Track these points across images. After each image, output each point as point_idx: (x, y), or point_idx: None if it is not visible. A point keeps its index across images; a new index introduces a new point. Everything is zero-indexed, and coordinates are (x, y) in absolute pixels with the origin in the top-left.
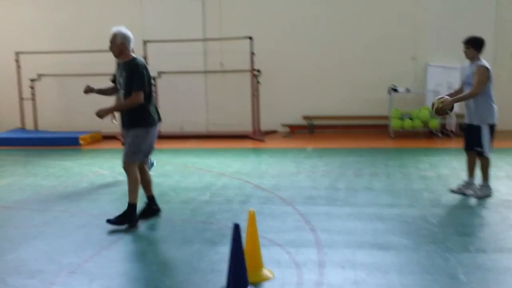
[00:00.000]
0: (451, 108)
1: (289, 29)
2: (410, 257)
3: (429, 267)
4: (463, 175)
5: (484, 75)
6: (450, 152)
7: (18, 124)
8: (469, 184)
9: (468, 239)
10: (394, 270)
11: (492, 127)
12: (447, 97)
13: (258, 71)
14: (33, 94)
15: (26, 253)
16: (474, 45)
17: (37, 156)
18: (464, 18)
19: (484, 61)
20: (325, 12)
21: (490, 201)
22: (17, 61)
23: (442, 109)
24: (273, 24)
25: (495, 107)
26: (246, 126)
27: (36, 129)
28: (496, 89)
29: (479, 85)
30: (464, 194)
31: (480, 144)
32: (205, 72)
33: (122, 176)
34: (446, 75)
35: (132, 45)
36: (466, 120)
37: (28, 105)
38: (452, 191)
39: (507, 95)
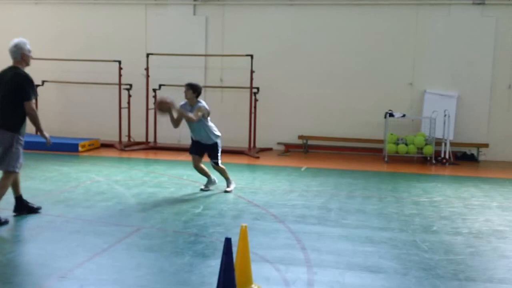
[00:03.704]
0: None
1: (289, 50)
2: (399, 281)
3: None
4: (456, 202)
5: (201, 111)
6: (443, 179)
7: None
8: (209, 182)
9: (458, 267)
10: None
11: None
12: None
13: (257, 89)
14: (35, 99)
15: (18, 256)
16: (193, 88)
17: (35, 160)
18: (462, 48)
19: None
20: (325, 36)
21: (482, 230)
22: None
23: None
24: (274, 44)
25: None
26: (242, 142)
27: (36, 133)
28: (492, 121)
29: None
30: (209, 189)
31: (216, 157)
32: (205, 86)
33: (118, 185)
34: (442, 102)
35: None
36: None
37: None
38: (201, 190)
39: (504, 126)
